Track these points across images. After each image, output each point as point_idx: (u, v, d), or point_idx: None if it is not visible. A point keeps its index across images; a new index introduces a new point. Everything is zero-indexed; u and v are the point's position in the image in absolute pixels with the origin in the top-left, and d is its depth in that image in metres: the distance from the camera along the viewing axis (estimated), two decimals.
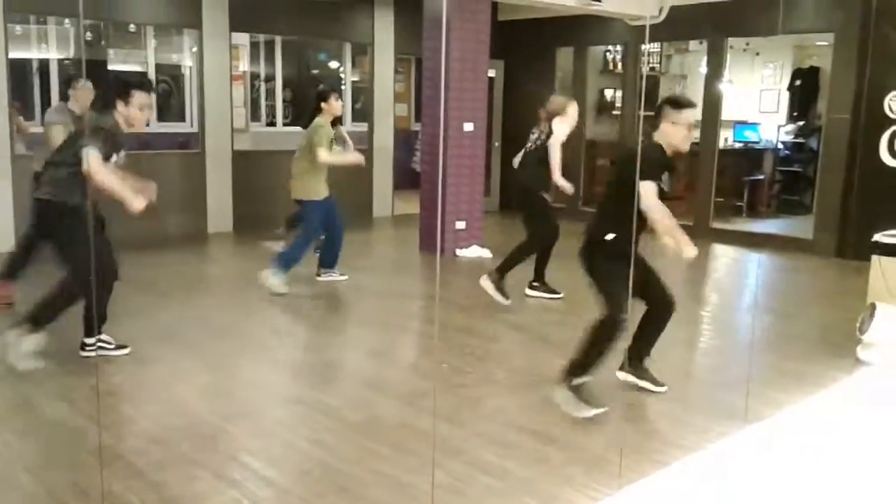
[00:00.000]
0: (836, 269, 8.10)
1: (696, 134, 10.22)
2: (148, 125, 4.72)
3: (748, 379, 4.13)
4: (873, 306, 4.95)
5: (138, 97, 4.40)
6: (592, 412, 3.89)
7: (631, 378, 4.35)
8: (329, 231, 6.80)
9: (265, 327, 5.76)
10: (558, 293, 6.41)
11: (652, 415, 4.15)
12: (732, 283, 8.07)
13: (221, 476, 3.31)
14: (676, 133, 4.04)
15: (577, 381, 3.93)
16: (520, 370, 4.75)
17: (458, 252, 8.23)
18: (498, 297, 6.11)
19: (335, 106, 6.52)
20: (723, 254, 9.05)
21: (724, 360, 5.18)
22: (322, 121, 6.45)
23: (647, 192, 3.80)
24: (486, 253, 8.16)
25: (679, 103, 4.13)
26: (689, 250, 3.86)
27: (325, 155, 6.34)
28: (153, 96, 4.46)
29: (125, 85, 4.47)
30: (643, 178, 3.75)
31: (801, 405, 4.26)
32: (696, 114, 4.09)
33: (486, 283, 6.16)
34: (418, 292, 7.01)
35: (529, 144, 6.34)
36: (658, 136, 4.08)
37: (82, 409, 3.96)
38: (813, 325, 5.97)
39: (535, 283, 6.50)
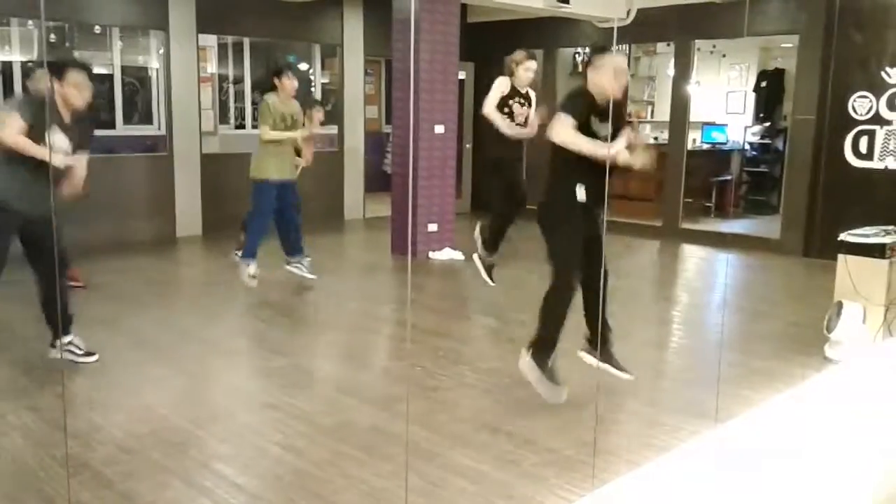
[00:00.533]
0: (804, 268, 8.21)
1: (661, 139, 10.35)
2: (97, 114, 4.70)
3: (718, 378, 4.17)
4: (840, 304, 5.02)
5: (72, 75, 4.34)
6: (563, 395, 3.95)
7: (590, 358, 4.26)
8: (278, 217, 6.49)
9: (235, 331, 5.70)
10: (491, 280, 6.39)
11: (624, 415, 4.17)
12: (702, 282, 8.15)
13: (192, 483, 3.26)
14: (601, 78, 3.95)
15: (542, 359, 3.97)
16: (493, 372, 4.75)
17: (431, 255, 8.22)
18: (485, 276, 6.29)
19: (286, 84, 6.32)
20: (692, 254, 9.14)
21: (694, 360, 5.22)
22: (270, 97, 6.28)
23: (559, 124, 3.80)
24: (458, 255, 8.15)
25: (601, 48, 4.19)
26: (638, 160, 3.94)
27: (267, 132, 6.21)
28: (87, 77, 4.38)
29: (60, 65, 4.46)
30: (560, 111, 3.82)
31: (771, 403, 4.30)
32: (619, 60, 4.17)
33: (477, 260, 6.34)
34: (390, 295, 6.99)
35: None
36: (588, 85, 4.02)
37: (48, 418, 3.89)
38: (781, 323, 6.04)
39: (488, 247, 6.42)
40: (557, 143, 3.87)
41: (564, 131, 3.79)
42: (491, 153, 6.50)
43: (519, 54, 6.17)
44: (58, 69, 4.39)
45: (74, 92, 4.35)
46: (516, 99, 6.22)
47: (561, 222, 4.00)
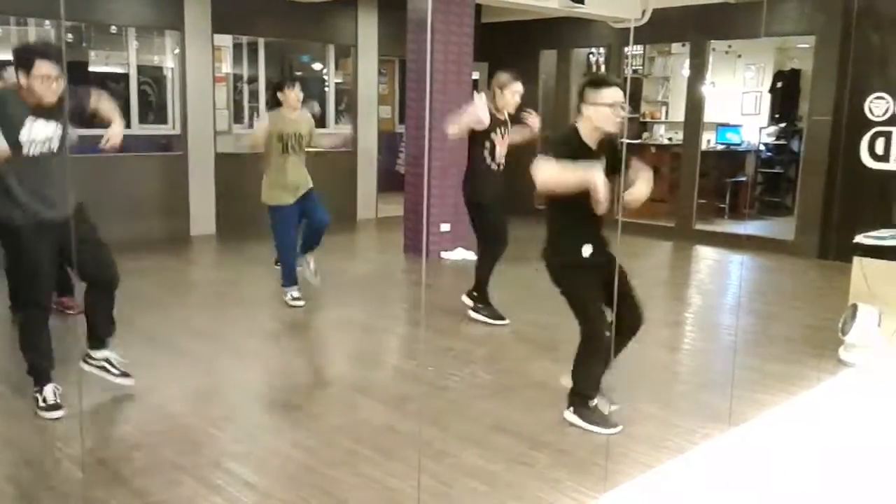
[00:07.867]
0: (818, 271, 8.16)
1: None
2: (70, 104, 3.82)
3: (732, 380, 4.15)
4: (855, 307, 4.98)
5: (39, 66, 3.67)
6: (607, 432, 3.82)
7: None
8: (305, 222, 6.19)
9: (248, 331, 5.72)
10: (503, 318, 5.77)
11: (637, 417, 4.15)
12: (715, 284, 8.11)
13: (204, 482, 3.28)
14: (597, 114, 3.75)
15: (581, 406, 3.89)
16: (504, 372, 4.75)
17: (443, 255, 8.22)
18: (490, 321, 5.72)
19: (290, 96, 5.90)
20: (705, 255, 9.10)
21: (707, 362, 5.20)
22: (273, 114, 5.96)
23: (539, 167, 3.57)
24: (470, 255, 8.13)
25: (597, 83, 3.88)
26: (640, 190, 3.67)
27: (255, 138, 5.98)
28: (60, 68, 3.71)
29: (27, 53, 3.77)
30: (542, 154, 3.63)
31: (785, 406, 4.29)
32: (618, 93, 3.77)
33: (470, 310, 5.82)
34: (403, 295, 6.99)
35: None
36: (580, 121, 3.82)
37: (63, 415, 3.91)
38: (795, 326, 6.00)
39: (478, 304, 5.82)
40: (554, 198, 3.72)
41: (547, 171, 3.56)
42: (475, 197, 5.67)
43: (504, 76, 5.55)
44: (25, 59, 3.70)
45: (41, 86, 3.70)
46: (498, 130, 5.54)
47: (573, 276, 3.83)
